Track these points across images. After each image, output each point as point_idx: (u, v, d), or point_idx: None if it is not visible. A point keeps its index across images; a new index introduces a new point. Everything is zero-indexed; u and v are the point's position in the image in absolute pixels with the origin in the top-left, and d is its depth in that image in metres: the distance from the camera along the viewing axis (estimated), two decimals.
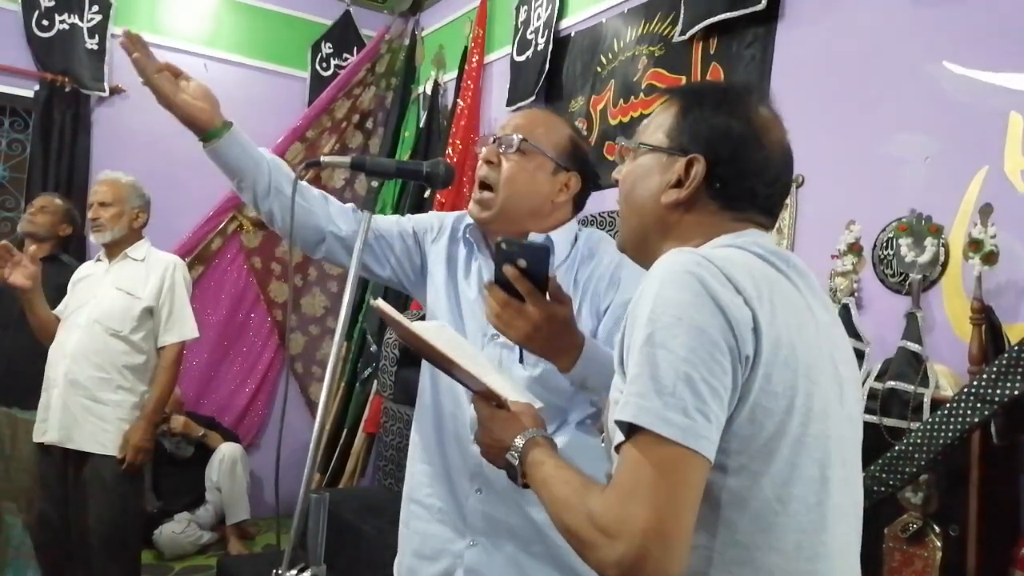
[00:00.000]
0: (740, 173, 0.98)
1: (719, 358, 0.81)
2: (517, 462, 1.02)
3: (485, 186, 1.43)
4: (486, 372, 1.14)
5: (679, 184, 0.98)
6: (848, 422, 0.93)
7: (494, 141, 1.45)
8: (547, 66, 3.77)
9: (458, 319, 1.48)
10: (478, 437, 1.13)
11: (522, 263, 1.14)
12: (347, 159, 1.41)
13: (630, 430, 0.81)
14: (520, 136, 1.41)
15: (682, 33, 3.03)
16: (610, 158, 3.33)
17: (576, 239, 1.48)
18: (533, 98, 3.86)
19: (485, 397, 1.12)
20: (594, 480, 0.90)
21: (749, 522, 0.84)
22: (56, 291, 2.92)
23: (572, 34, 3.77)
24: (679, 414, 0.78)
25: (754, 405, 0.83)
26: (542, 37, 3.85)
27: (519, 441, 1.03)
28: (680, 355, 0.80)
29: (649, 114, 1.09)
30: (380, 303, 1.19)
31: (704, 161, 0.97)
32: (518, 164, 1.41)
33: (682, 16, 3.05)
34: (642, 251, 1.05)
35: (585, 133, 3.36)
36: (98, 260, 2.94)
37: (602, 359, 1.19)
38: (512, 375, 1.39)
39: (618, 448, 0.83)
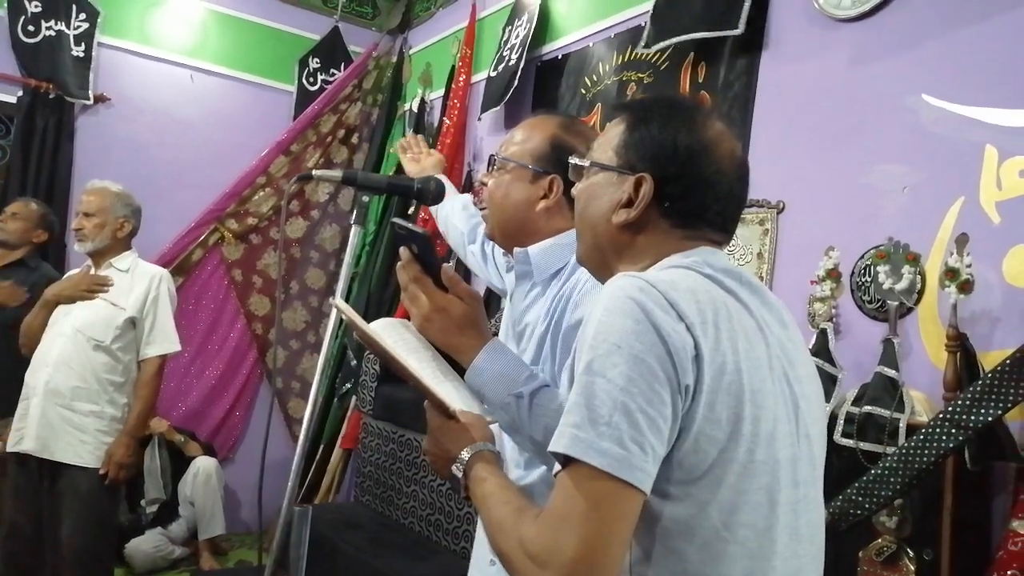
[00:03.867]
0: (689, 189, 0.96)
1: (658, 388, 0.79)
2: (461, 475, 1.01)
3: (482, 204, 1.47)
4: (439, 380, 1.13)
5: (629, 203, 0.97)
6: (803, 440, 0.92)
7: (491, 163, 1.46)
8: (516, 82, 3.76)
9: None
10: (426, 446, 1.11)
11: (415, 248, 1.15)
12: (338, 173, 1.42)
13: (565, 460, 0.80)
14: (501, 156, 1.41)
15: (646, 46, 3.07)
16: None
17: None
18: (497, 108, 3.89)
19: (436, 405, 1.10)
20: (532, 504, 0.89)
21: (697, 551, 0.83)
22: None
23: (560, 56, 3.82)
24: (614, 444, 0.77)
25: (697, 434, 0.82)
26: (516, 53, 3.87)
27: (465, 454, 1.02)
28: (618, 384, 0.79)
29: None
30: (339, 301, 1.18)
31: (652, 179, 0.95)
32: (496, 181, 1.41)
33: (648, 28, 3.08)
34: (599, 268, 1.04)
35: None
36: (87, 267, 2.92)
37: (500, 370, 1.13)
38: None
39: (555, 475, 0.82)
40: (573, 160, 1.08)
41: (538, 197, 1.37)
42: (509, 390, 1.11)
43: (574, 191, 1.08)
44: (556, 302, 1.30)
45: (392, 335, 1.15)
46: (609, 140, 1.02)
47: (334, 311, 1.30)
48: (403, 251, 1.16)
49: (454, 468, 1.02)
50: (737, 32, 2.74)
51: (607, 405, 0.78)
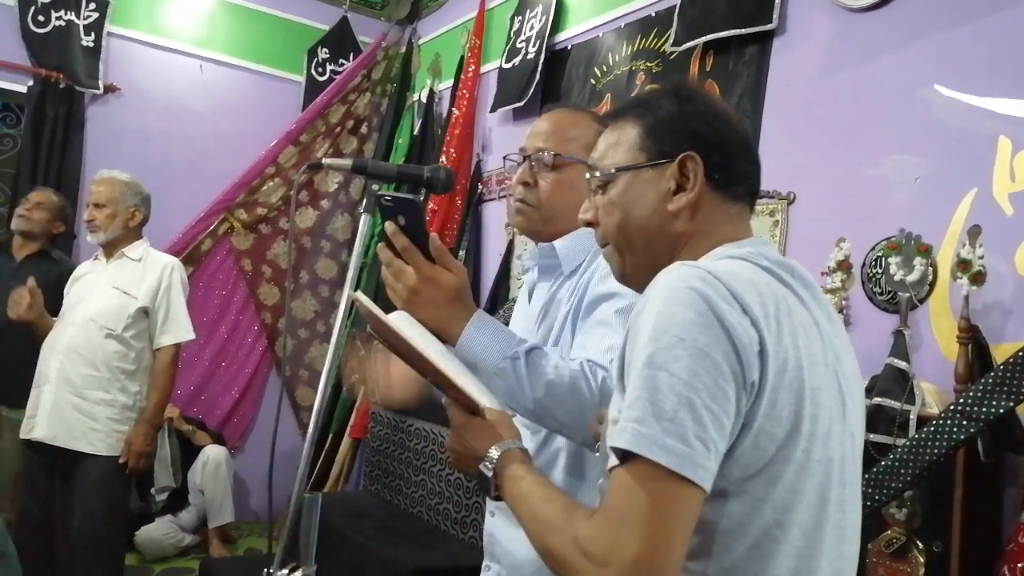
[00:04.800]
0: (730, 156, 0.96)
1: (722, 384, 0.77)
2: (491, 473, 0.98)
3: (522, 202, 1.42)
4: (463, 374, 1.10)
5: (680, 189, 0.95)
6: (849, 439, 0.90)
7: (524, 159, 1.42)
8: (538, 76, 3.79)
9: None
10: (449, 443, 1.08)
11: (402, 220, 1.13)
12: (348, 162, 1.41)
13: (624, 455, 0.77)
14: (552, 153, 1.39)
15: (676, 44, 3.06)
16: None
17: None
18: (520, 104, 3.88)
19: (459, 402, 1.07)
20: (579, 502, 0.87)
21: (747, 548, 0.81)
22: (45, 288, 2.91)
23: (569, 47, 3.80)
24: (678, 441, 0.75)
25: (758, 431, 0.80)
26: (533, 47, 3.87)
27: (494, 452, 0.98)
28: (682, 379, 0.76)
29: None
30: (359, 295, 1.14)
31: (698, 156, 0.94)
32: (556, 181, 1.38)
33: (675, 26, 3.07)
34: (650, 274, 0.94)
35: None
36: (96, 259, 2.93)
37: (491, 340, 1.14)
38: None
39: (611, 470, 0.79)
40: (596, 173, 1.02)
41: None
42: (503, 354, 1.11)
43: (585, 214, 1.04)
44: (575, 290, 1.33)
45: (410, 329, 1.11)
46: (622, 143, 1.00)
47: (343, 300, 1.30)
48: (388, 225, 1.13)
49: (482, 467, 0.99)
50: (771, 27, 2.72)
51: (671, 400, 0.76)
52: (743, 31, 2.82)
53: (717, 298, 0.79)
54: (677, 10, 3.08)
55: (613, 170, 1.00)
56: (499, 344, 1.14)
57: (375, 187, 1.25)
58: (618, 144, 1.00)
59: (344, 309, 1.32)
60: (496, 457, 0.98)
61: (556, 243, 1.39)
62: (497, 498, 0.98)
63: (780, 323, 0.83)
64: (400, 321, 1.11)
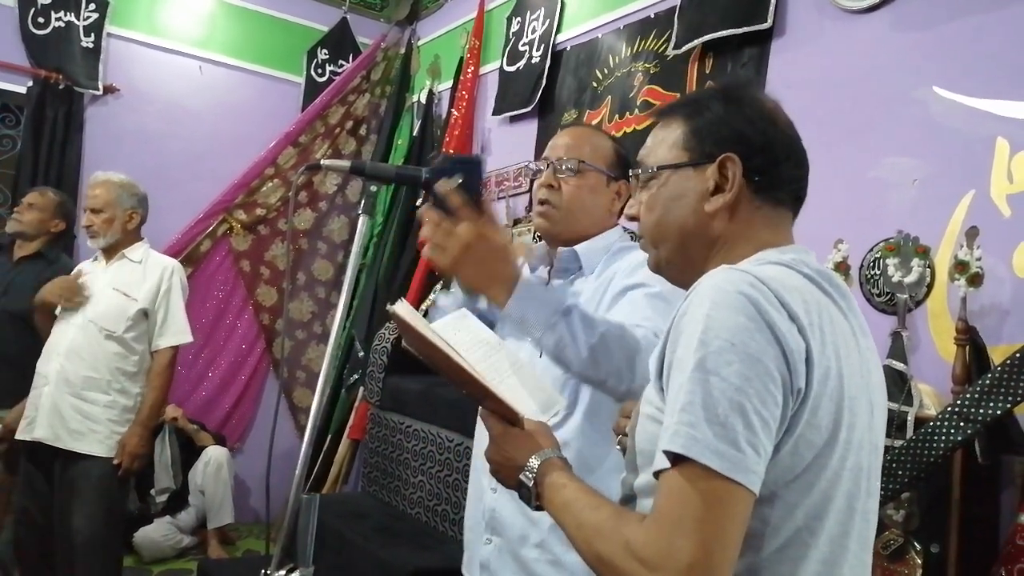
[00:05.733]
0: (774, 160, 0.96)
1: (772, 389, 0.78)
2: (532, 483, 0.98)
3: (544, 202, 1.54)
4: (504, 378, 1.09)
5: (718, 190, 0.96)
6: (874, 450, 0.91)
7: (548, 166, 1.54)
8: (544, 80, 3.80)
9: None
10: (488, 454, 1.07)
11: (459, 178, 1.14)
12: (346, 163, 1.41)
13: (675, 459, 0.78)
14: (577, 159, 1.52)
15: (676, 47, 3.07)
16: None
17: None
18: (528, 109, 3.89)
19: (497, 413, 1.06)
20: (626, 508, 0.87)
21: (775, 552, 0.82)
22: (37, 288, 2.90)
23: (568, 48, 3.80)
24: (730, 446, 0.75)
25: (798, 438, 0.81)
26: (537, 50, 3.88)
27: (534, 461, 0.98)
28: (734, 384, 0.77)
29: (643, 131, 1.08)
30: (399, 307, 1.11)
31: (738, 158, 0.94)
32: (578, 185, 1.52)
33: (675, 29, 3.08)
34: (684, 272, 1.00)
35: None
36: (95, 259, 2.93)
37: (542, 297, 1.19)
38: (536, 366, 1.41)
39: (657, 474, 0.80)
40: (638, 170, 1.04)
41: (612, 200, 1.57)
42: (556, 309, 1.16)
43: (631, 209, 1.08)
44: (597, 290, 1.46)
45: (451, 336, 1.09)
46: (667, 141, 1.01)
47: (342, 302, 1.29)
48: (442, 183, 1.14)
49: (523, 476, 0.99)
50: (765, 26, 2.73)
51: (723, 405, 0.76)
52: (739, 31, 2.82)
53: (766, 304, 0.80)
54: (677, 12, 3.09)
55: (655, 168, 1.01)
56: (552, 300, 1.19)
57: (373, 188, 1.26)
58: (664, 142, 1.01)
59: (342, 312, 1.31)
60: (536, 466, 0.98)
61: (578, 249, 1.52)
62: (538, 508, 0.98)
63: (823, 331, 0.83)
64: (441, 330, 1.10)
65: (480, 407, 1.10)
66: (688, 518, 0.75)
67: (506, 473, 1.04)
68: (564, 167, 1.53)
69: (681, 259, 1.00)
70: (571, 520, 0.89)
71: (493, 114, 4.16)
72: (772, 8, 2.71)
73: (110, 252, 2.86)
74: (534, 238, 3.85)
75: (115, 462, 2.69)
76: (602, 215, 1.55)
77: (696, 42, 2.97)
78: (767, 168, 0.96)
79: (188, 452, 4.25)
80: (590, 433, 1.40)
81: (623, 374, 1.20)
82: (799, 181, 0.99)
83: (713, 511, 0.75)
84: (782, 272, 0.87)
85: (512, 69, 4.04)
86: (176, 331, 2.85)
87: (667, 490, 0.78)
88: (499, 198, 4.08)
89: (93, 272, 2.87)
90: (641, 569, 0.76)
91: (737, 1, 2.84)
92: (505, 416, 1.05)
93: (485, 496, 1.49)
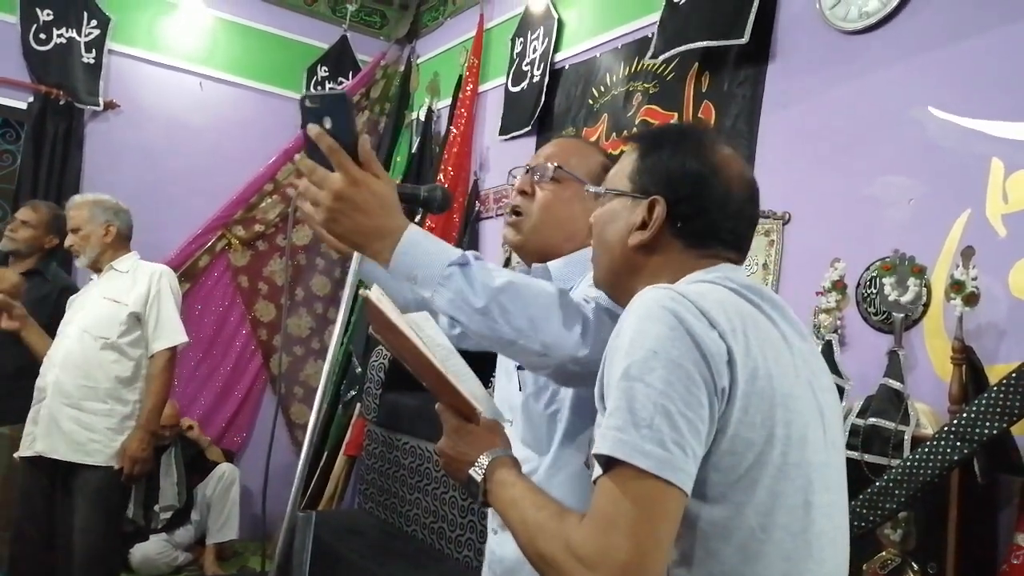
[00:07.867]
0: (700, 210, 1.01)
1: (695, 391, 0.82)
2: (480, 479, 1.01)
3: (518, 213, 1.42)
4: (465, 378, 1.09)
5: (643, 226, 1.02)
6: (830, 447, 0.95)
7: (528, 171, 1.43)
8: (543, 98, 3.83)
9: None
10: (441, 447, 1.09)
11: (328, 122, 1.02)
12: None
13: (608, 463, 0.82)
14: (554, 164, 1.40)
15: (654, 56, 3.09)
16: None
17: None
18: (528, 128, 3.91)
19: (454, 407, 1.08)
20: (569, 508, 0.90)
21: (733, 552, 0.85)
22: (34, 305, 2.91)
23: (566, 67, 3.83)
24: (657, 446, 0.79)
25: (733, 436, 0.85)
26: (538, 69, 3.91)
27: (484, 459, 1.02)
28: (657, 388, 0.81)
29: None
30: (371, 292, 1.07)
31: (664, 201, 1.00)
32: (553, 192, 1.39)
33: (655, 39, 3.10)
34: (615, 290, 1.08)
35: None
36: (91, 279, 2.95)
37: (434, 247, 1.05)
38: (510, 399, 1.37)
39: (596, 480, 0.84)
40: (590, 188, 1.12)
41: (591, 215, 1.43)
42: (448, 260, 1.05)
43: (592, 218, 1.12)
44: None
45: (419, 331, 1.08)
46: (623, 168, 1.07)
47: (340, 317, 1.30)
48: (311, 128, 1.02)
49: (472, 472, 1.02)
50: (742, 41, 2.74)
51: (648, 408, 0.81)
52: (715, 43, 2.84)
53: (686, 313, 0.85)
54: (657, 23, 3.12)
55: (604, 189, 1.10)
56: (445, 249, 1.06)
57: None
58: (621, 168, 1.08)
59: (340, 328, 1.32)
60: (487, 463, 1.01)
61: (550, 265, 1.38)
62: (484, 504, 1.01)
63: (747, 336, 0.88)
64: (411, 321, 1.09)
65: (438, 401, 1.10)
66: (622, 518, 0.79)
67: (456, 467, 1.06)
68: (540, 173, 1.40)
69: (610, 279, 1.08)
70: (516, 517, 0.93)
71: (500, 134, 4.16)
72: (749, 24, 2.72)
73: (97, 267, 2.88)
74: (507, 256, 3.86)
75: (117, 467, 2.68)
76: (579, 229, 1.36)
77: (673, 52, 2.98)
78: (692, 216, 1.01)
79: (194, 467, 4.23)
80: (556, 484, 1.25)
81: (533, 334, 1.05)
82: (733, 233, 1.03)
83: (645, 510, 0.79)
84: (706, 287, 0.93)
85: (517, 89, 4.07)
86: (170, 332, 2.85)
87: (602, 492, 0.82)
88: (498, 215, 4.09)
89: (87, 288, 2.89)
90: (579, 567, 0.80)
91: (715, 15, 2.85)
92: (462, 411, 1.08)
93: (488, 537, 1.43)
